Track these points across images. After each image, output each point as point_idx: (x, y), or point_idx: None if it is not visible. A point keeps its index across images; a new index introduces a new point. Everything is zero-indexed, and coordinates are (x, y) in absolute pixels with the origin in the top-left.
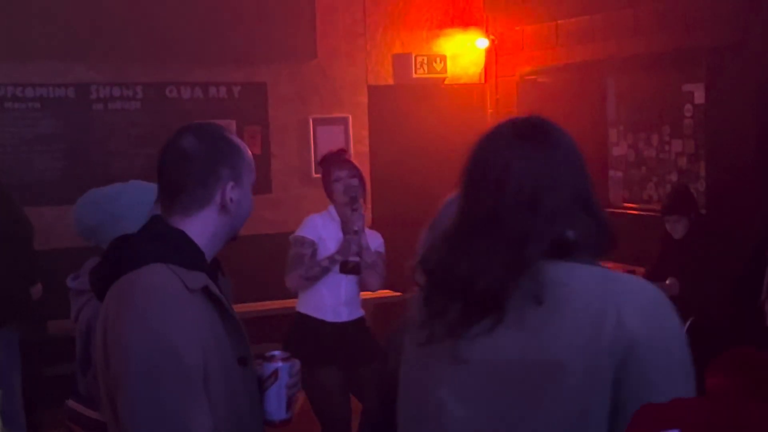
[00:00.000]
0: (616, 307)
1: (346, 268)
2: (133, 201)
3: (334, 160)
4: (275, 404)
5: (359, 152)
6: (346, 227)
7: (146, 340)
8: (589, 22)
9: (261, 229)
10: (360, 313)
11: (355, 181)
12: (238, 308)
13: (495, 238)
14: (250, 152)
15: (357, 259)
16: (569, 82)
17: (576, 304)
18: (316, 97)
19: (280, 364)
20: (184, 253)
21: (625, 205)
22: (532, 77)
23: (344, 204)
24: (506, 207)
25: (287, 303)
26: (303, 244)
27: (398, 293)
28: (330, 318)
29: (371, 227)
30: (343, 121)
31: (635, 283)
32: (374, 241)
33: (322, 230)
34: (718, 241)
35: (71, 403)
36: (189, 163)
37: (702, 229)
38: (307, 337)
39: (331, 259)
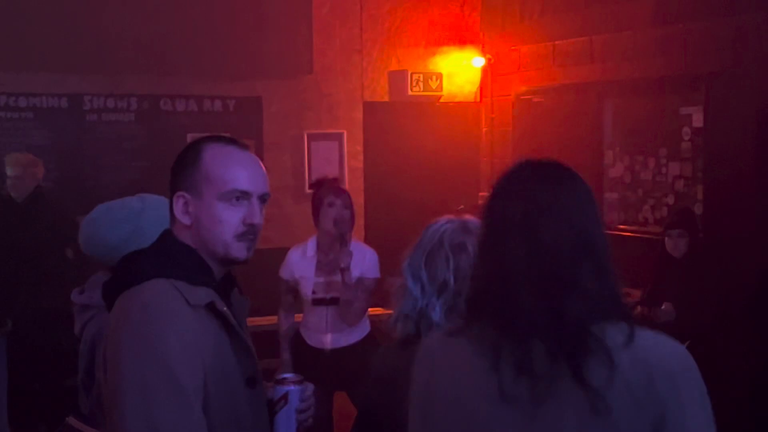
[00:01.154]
0: (648, 374)
1: (320, 303)
2: (156, 215)
3: (330, 186)
4: (284, 428)
5: (353, 168)
6: (327, 258)
7: (140, 357)
8: (587, 43)
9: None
10: (354, 338)
11: (347, 214)
12: None
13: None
14: (219, 162)
15: (331, 296)
16: (565, 103)
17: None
18: (312, 113)
19: (291, 387)
20: (189, 268)
21: (620, 226)
22: (528, 97)
23: (332, 235)
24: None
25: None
26: (282, 282)
27: (389, 311)
28: (313, 343)
29: (364, 243)
30: (338, 137)
31: (664, 347)
32: (370, 259)
33: (296, 269)
34: (714, 265)
35: (72, 420)
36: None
37: (700, 251)
38: (297, 354)
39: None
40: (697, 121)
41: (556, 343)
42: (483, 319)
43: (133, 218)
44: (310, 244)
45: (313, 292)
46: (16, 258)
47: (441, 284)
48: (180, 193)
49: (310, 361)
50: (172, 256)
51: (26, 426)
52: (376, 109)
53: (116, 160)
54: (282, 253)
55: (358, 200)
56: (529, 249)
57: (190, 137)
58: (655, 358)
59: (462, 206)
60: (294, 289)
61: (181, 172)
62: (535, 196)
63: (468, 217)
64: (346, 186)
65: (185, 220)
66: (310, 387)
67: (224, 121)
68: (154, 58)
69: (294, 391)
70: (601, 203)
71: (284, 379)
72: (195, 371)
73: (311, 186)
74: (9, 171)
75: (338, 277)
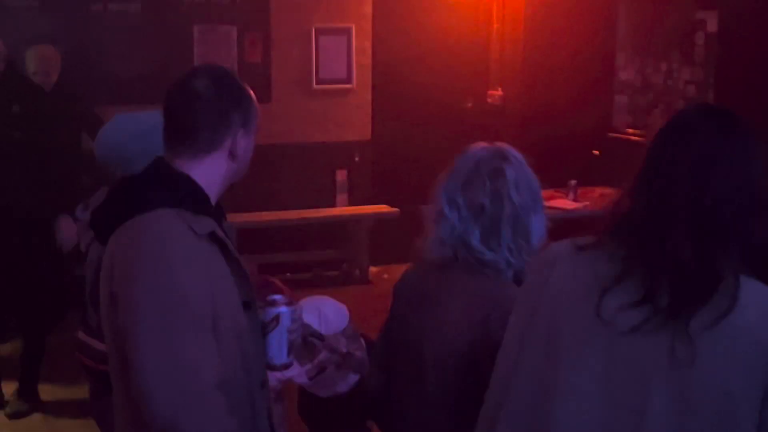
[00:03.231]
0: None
1: None
2: None
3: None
4: (276, 348)
5: (362, 64)
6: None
7: (157, 287)
8: None
9: (258, 139)
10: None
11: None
12: (238, 218)
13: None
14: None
15: None
16: (579, 2)
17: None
18: (320, 6)
19: (282, 308)
20: (191, 198)
21: (629, 130)
22: None
23: None
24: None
25: (286, 214)
26: None
27: (394, 209)
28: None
29: (371, 141)
30: (346, 32)
31: None
32: (328, 310)
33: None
34: None
35: (81, 334)
36: (202, 105)
37: None
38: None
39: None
40: (711, 26)
41: (689, 285)
42: (623, 241)
43: (155, 133)
44: None
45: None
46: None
47: (478, 208)
48: (239, 127)
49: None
50: (175, 186)
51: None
52: (386, 3)
53: (122, 51)
54: (287, 148)
55: (365, 97)
56: (695, 196)
57: (196, 29)
58: None
59: (470, 104)
60: None
61: (234, 109)
62: (707, 146)
63: (500, 144)
64: (354, 83)
65: (239, 153)
66: (299, 307)
67: (231, 13)
68: None
69: (285, 312)
70: (610, 106)
71: (275, 300)
72: (206, 298)
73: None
74: (33, 66)
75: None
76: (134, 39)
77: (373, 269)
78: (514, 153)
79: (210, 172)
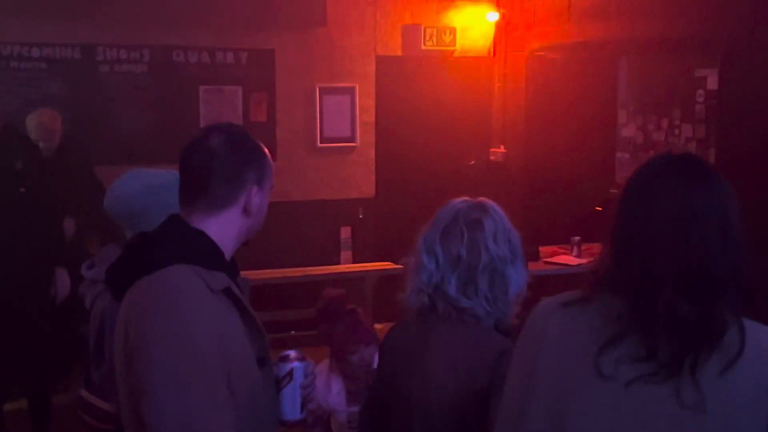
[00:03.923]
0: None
1: None
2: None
3: (356, 327)
4: (290, 404)
5: (365, 122)
6: (357, 386)
7: (172, 344)
8: (603, 0)
9: None
10: None
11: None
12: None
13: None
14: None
15: None
16: (580, 60)
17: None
18: (324, 66)
19: (295, 364)
20: (206, 253)
21: None
22: (542, 53)
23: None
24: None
25: (291, 272)
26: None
27: (399, 266)
28: None
29: (375, 198)
30: (350, 91)
31: None
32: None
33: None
34: None
35: (84, 393)
36: (217, 164)
37: None
38: None
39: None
40: (712, 83)
41: (693, 338)
42: (611, 298)
43: (165, 191)
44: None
45: (349, 422)
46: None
47: (455, 258)
48: (253, 184)
49: None
50: (190, 242)
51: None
52: (388, 63)
53: (129, 112)
54: (292, 206)
55: (369, 155)
56: (680, 254)
57: (202, 90)
58: None
59: (473, 161)
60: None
61: (249, 166)
62: (682, 200)
63: (483, 198)
64: (357, 141)
65: (253, 210)
66: (312, 363)
67: (236, 73)
68: (168, 9)
69: (298, 367)
70: (612, 163)
71: (288, 356)
72: (221, 355)
73: (318, 317)
74: (34, 134)
75: None
76: (141, 99)
77: (378, 326)
78: (495, 207)
79: (224, 228)
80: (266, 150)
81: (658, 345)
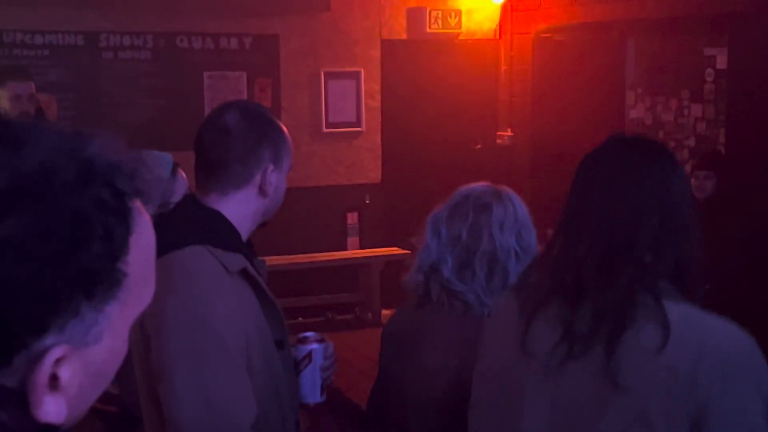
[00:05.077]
0: (694, 361)
1: None
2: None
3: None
4: (309, 387)
5: (371, 107)
6: None
7: (191, 326)
8: None
9: None
10: None
11: None
12: None
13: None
14: (290, 138)
15: None
16: (587, 42)
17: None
18: (329, 51)
19: (314, 345)
20: (222, 234)
21: None
22: (549, 35)
23: None
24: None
25: (297, 258)
26: None
27: (406, 251)
28: None
29: (381, 183)
30: (355, 76)
31: (722, 333)
32: None
33: None
34: (735, 208)
35: None
36: (232, 141)
37: (724, 194)
38: None
39: None
40: (721, 62)
41: (603, 306)
42: (540, 277)
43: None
44: None
45: None
46: None
47: (455, 238)
48: (269, 163)
49: None
50: (205, 223)
51: None
52: (394, 47)
53: (132, 98)
54: (298, 192)
55: (375, 140)
56: (601, 216)
57: (206, 76)
58: (708, 343)
59: (479, 145)
60: None
61: (265, 144)
62: (620, 166)
63: (504, 187)
64: (363, 126)
65: (269, 189)
66: (331, 345)
67: (241, 59)
68: None
69: (317, 349)
70: None
71: (306, 338)
72: (240, 336)
73: None
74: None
75: None
76: (145, 86)
77: (385, 312)
78: (512, 196)
79: (240, 209)
80: (284, 128)
81: (574, 318)
